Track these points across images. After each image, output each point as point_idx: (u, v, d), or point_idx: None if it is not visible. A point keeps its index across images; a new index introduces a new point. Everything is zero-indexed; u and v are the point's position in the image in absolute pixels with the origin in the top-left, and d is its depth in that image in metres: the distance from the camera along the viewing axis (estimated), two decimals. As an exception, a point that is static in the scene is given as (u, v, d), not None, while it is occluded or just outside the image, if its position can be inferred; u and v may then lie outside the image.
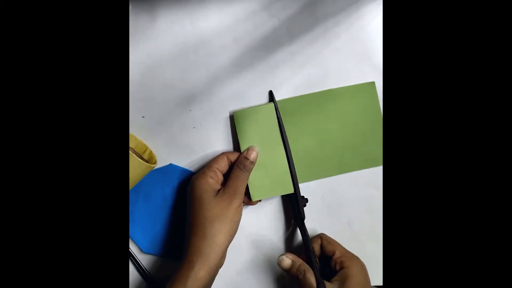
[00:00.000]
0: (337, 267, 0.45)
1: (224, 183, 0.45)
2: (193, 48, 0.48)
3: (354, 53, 0.49)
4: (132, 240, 0.48)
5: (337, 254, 0.45)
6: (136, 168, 0.42)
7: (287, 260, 0.44)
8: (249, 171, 0.45)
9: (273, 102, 0.47)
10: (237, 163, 0.45)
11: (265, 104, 0.47)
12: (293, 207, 0.49)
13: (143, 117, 0.48)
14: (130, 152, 0.40)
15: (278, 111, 0.47)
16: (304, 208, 0.48)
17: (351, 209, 0.51)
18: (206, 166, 0.45)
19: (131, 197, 0.47)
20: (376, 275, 0.49)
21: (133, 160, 0.41)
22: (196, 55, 0.48)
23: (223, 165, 0.45)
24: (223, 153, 0.46)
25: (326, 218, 0.51)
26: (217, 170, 0.44)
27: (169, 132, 0.48)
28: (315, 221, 0.50)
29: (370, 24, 0.49)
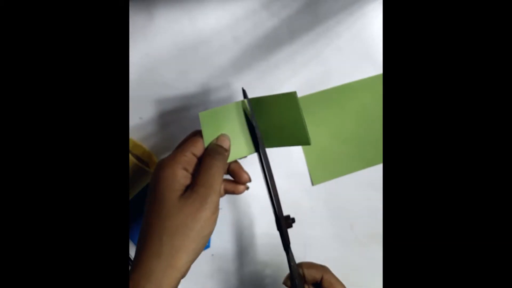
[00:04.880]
0: None
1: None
2: (192, 48, 0.48)
3: (356, 52, 0.49)
4: (133, 242, 0.48)
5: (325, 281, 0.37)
6: (136, 172, 0.41)
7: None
8: (225, 160, 0.34)
9: (246, 99, 0.36)
10: (207, 151, 0.33)
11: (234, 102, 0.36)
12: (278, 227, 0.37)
13: (140, 118, 0.48)
14: (133, 160, 0.39)
15: (251, 109, 0.36)
16: (294, 225, 0.37)
17: (353, 212, 0.50)
18: (177, 149, 0.33)
19: (131, 199, 0.47)
20: (379, 277, 0.48)
21: (136, 166, 0.40)
22: (195, 54, 0.48)
23: (202, 148, 0.34)
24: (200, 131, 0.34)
25: (328, 221, 0.50)
26: (192, 156, 0.33)
27: (168, 133, 0.48)
28: (316, 225, 0.50)
29: (372, 22, 0.49)
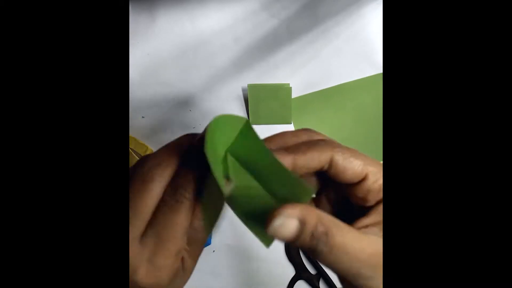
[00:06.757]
0: (370, 200, 0.23)
1: None
2: (193, 48, 0.48)
3: (354, 53, 0.49)
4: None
5: (371, 178, 0.23)
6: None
7: (291, 223, 0.20)
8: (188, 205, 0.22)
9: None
10: None
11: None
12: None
13: (143, 117, 0.48)
14: (136, 158, 0.40)
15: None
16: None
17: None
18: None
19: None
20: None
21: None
22: (196, 55, 0.48)
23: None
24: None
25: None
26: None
27: (169, 132, 0.48)
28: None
29: (370, 23, 0.49)
